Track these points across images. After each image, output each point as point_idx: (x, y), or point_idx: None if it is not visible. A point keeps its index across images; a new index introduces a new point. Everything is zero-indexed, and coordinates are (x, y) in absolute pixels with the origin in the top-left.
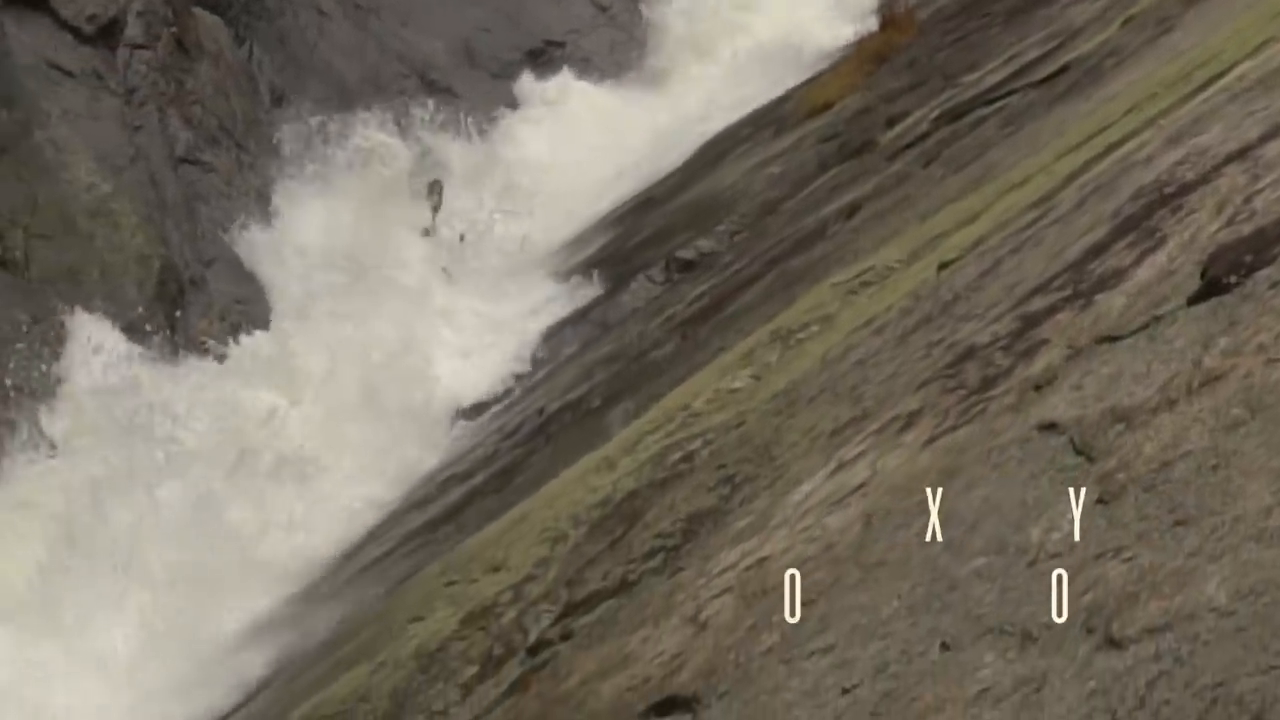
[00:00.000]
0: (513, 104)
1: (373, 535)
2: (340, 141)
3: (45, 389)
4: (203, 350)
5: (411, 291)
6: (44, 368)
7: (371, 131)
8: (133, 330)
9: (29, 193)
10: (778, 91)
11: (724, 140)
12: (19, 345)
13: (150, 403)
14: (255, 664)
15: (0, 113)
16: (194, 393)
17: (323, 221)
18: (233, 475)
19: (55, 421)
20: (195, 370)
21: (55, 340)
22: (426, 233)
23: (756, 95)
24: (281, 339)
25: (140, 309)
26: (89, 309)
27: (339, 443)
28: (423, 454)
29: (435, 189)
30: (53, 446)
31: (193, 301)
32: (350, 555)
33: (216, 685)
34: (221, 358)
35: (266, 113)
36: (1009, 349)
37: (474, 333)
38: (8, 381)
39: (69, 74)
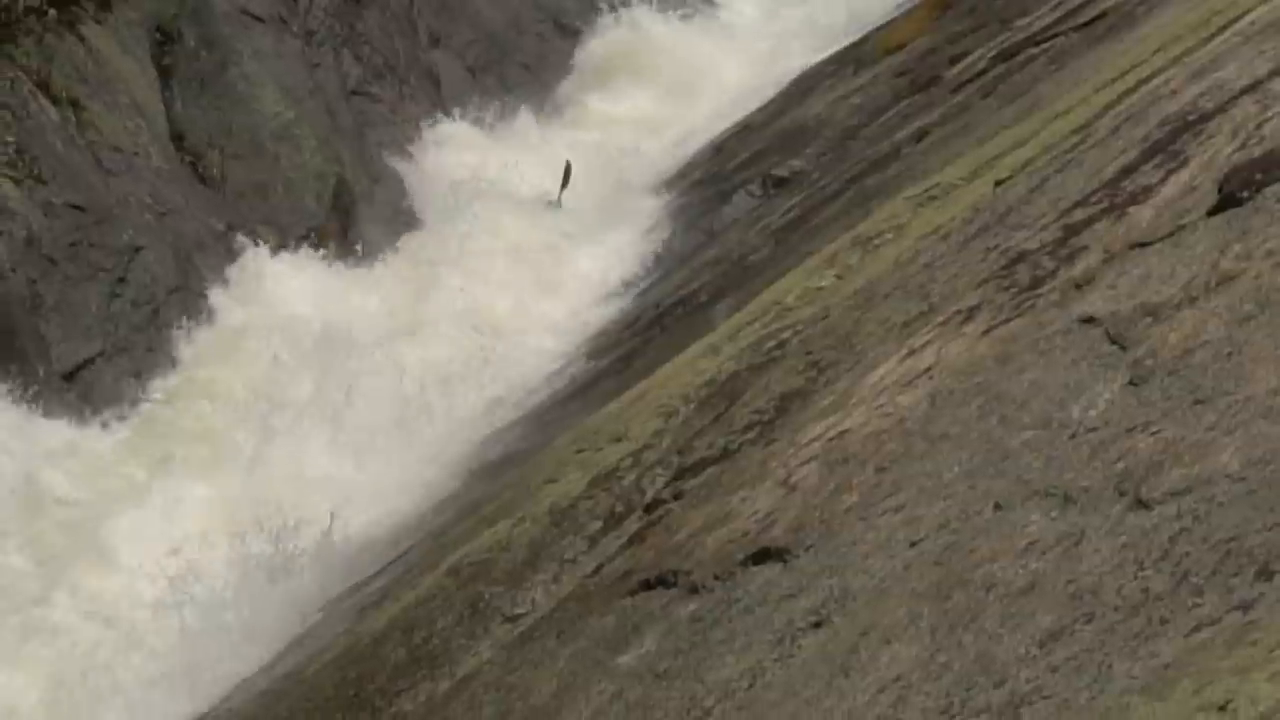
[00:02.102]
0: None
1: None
2: (484, 76)
3: (236, 285)
4: (376, 244)
5: (540, 204)
6: (235, 267)
7: (510, 67)
8: (313, 233)
9: (225, 120)
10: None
11: (812, 76)
12: (216, 248)
13: (327, 295)
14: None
15: (201, 53)
16: (366, 284)
17: (468, 144)
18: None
19: (238, 312)
20: (364, 265)
21: (248, 243)
22: (550, 204)
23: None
24: (441, 240)
25: (318, 218)
26: (274, 218)
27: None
28: (557, 339)
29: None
30: (240, 334)
31: (362, 211)
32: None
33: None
34: (385, 260)
35: (424, 52)
36: (1054, 254)
37: (601, 238)
38: (204, 278)
39: (259, 19)
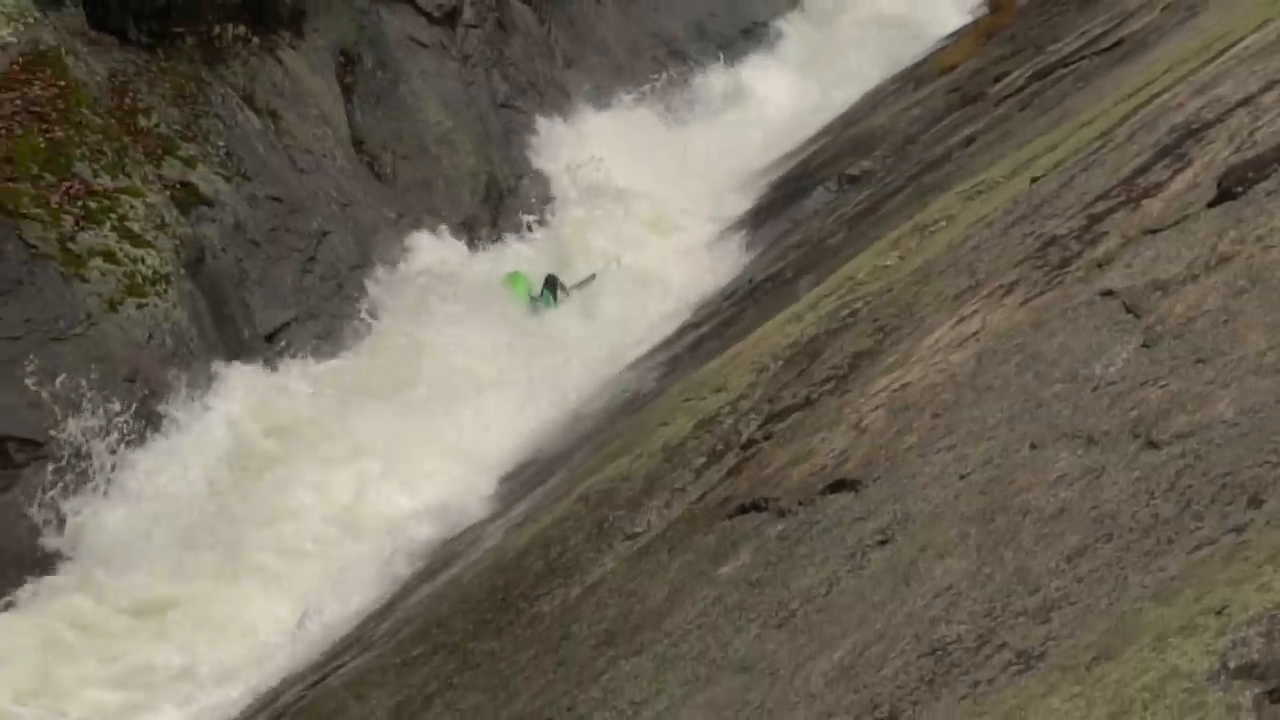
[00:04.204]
0: (730, 67)
1: (639, 362)
2: (610, 93)
3: (405, 262)
4: (516, 235)
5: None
6: (403, 249)
7: (630, 89)
8: (466, 223)
9: (396, 128)
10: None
11: (878, 91)
12: (388, 232)
13: (479, 274)
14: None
15: (377, 73)
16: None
17: (598, 146)
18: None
19: (407, 285)
20: (508, 237)
21: (412, 230)
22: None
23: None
24: (578, 226)
25: (472, 208)
26: (436, 209)
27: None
28: (675, 299)
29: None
30: (410, 302)
31: (508, 203)
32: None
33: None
34: (530, 240)
35: (560, 73)
36: (1080, 238)
37: (706, 221)
38: (374, 259)
39: (424, 45)
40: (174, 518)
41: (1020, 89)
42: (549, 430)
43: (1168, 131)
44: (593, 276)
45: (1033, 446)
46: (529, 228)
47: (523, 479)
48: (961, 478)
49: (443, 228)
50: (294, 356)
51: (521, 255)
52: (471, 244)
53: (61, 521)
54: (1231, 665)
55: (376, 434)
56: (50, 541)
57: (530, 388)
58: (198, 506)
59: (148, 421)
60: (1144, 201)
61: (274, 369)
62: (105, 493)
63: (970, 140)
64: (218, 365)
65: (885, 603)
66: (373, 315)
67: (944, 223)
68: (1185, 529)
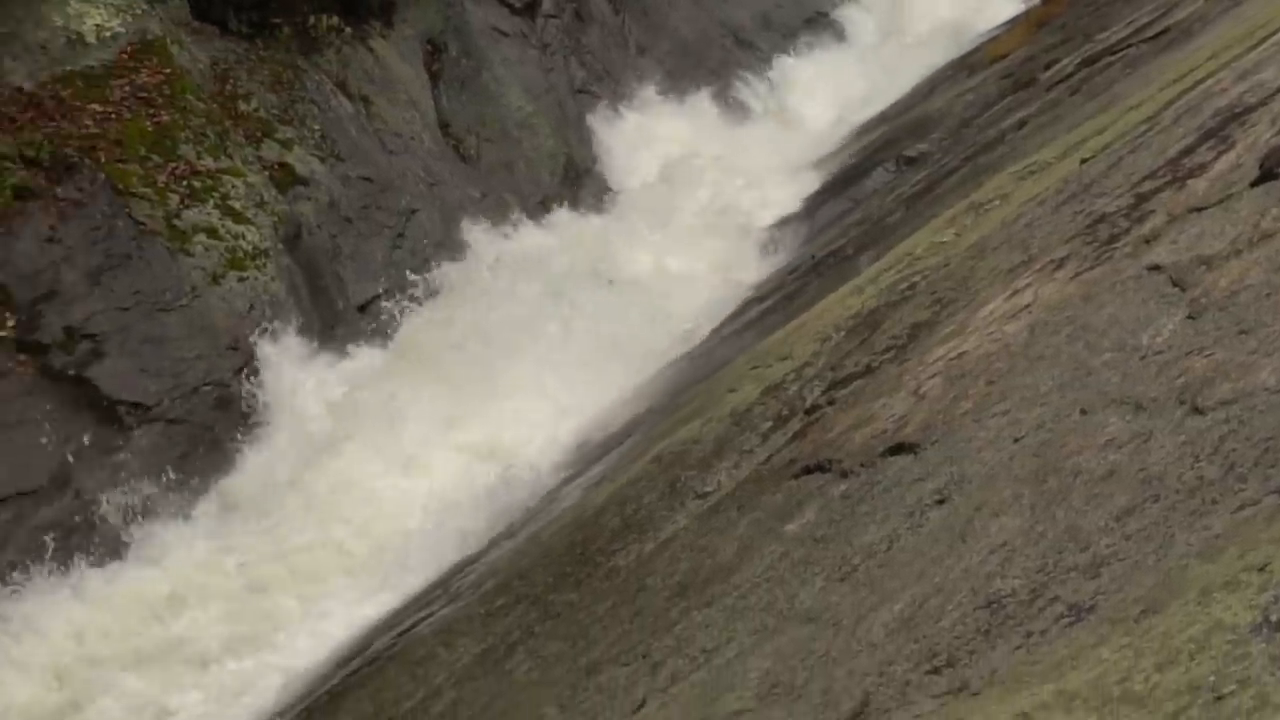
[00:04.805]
0: (795, 55)
1: (705, 334)
2: (679, 79)
3: (489, 239)
4: (594, 210)
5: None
6: (487, 225)
7: (700, 75)
8: (545, 202)
9: (480, 112)
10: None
11: (934, 78)
12: (473, 210)
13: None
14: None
15: (462, 60)
16: (593, 231)
17: (670, 130)
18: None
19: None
20: (585, 215)
21: (496, 207)
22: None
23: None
24: (650, 205)
25: (551, 188)
26: (517, 188)
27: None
28: (742, 274)
29: None
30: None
31: (585, 183)
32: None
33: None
34: (605, 213)
35: (633, 59)
36: (1128, 216)
37: (773, 204)
38: (464, 233)
39: (506, 35)
40: (280, 471)
41: (1070, 75)
42: (625, 396)
43: (1212, 115)
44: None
45: (1083, 412)
46: (603, 206)
47: (599, 442)
48: (1015, 441)
49: (524, 205)
50: (383, 326)
51: (595, 231)
52: (550, 221)
53: (172, 480)
54: (1273, 619)
55: (460, 398)
56: (162, 499)
57: (609, 355)
58: (302, 461)
59: (251, 385)
60: (1189, 181)
61: (366, 336)
62: (214, 450)
63: (1022, 123)
64: (314, 334)
65: (943, 558)
66: (459, 286)
67: (998, 201)
68: (1229, 490)
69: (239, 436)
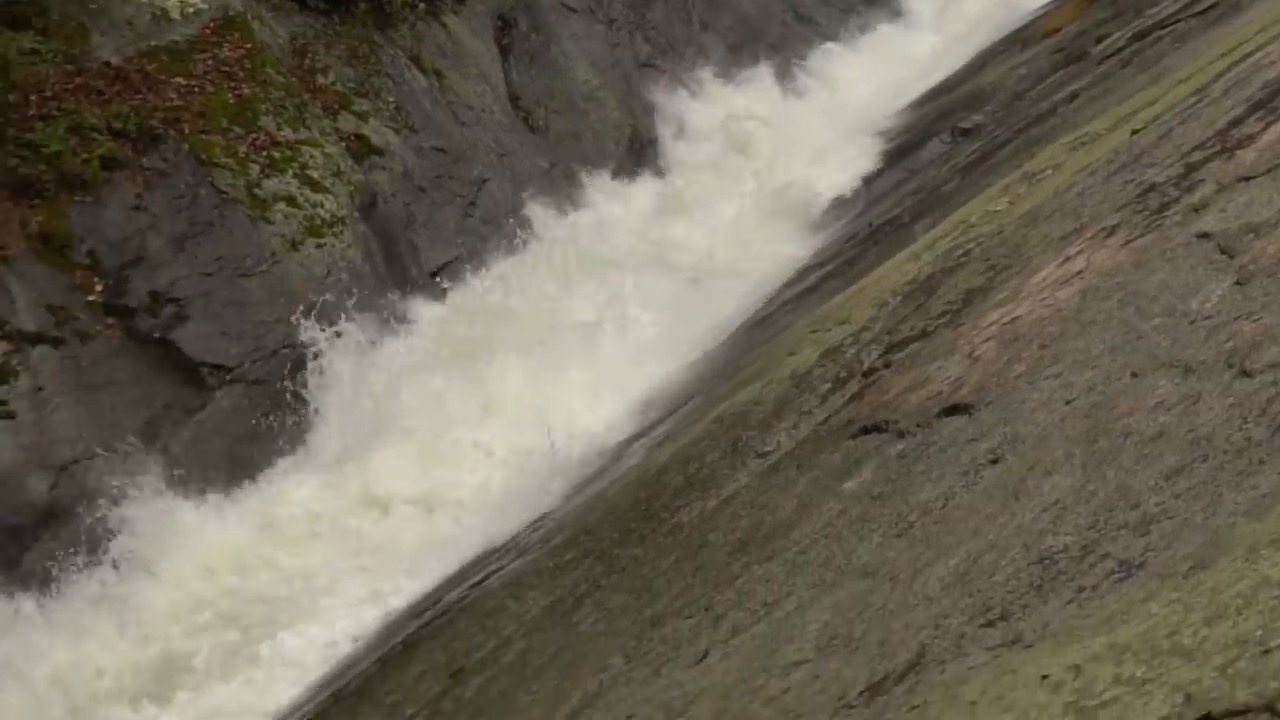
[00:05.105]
0: (853, 29)
1: (765, 299)
2: (740, 52)
3: (557, 206)
4: (654, 176)
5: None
6: (556, 193)
7: (761, 49)
8: (612, 170)
9: (548, 85)
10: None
11: (988, 52)
12: (542, 180)
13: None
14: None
15: (531, 35)
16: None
17: (731, 103)
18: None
19: (558, 227)
20: (649, 185)
21: (564, 177)
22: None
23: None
24: (713, 175)
25: (617, 157)
26: (584, 158)
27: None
28: (799, 242)
29: None
30: (559, 242)
31: (649, 153)
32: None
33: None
34: (668, 182)
35: (696, 34)
36: (1177, 185)
37: (831, 175)
38: (526, 200)
39: (573, 10)
40: (354, 425)
41: (1121, 49)
42: (687, 359)
43: (1260, 87)
44: None
45: (1133, 375)
46: (666, 176)
47: (662, 403)
48: (1067, 403)
49: (591, 174)
50: (455, 291)
51: (657, 199)
52: (615, 189)
53: (252, 434)
54: None
55: (527, 362)
56: (244, 451)
57: (673, 318)
58: (379, 414)
59: (328, 347)
60: (1237, 151)
61: (439, 301)
62: (292, 408)
63: (1074, 96)
64: (389, 298)
65: (996, 515)
66: (529, 253)
67: (1050, 171)
68: (1276, 450)
69: (317, 395)
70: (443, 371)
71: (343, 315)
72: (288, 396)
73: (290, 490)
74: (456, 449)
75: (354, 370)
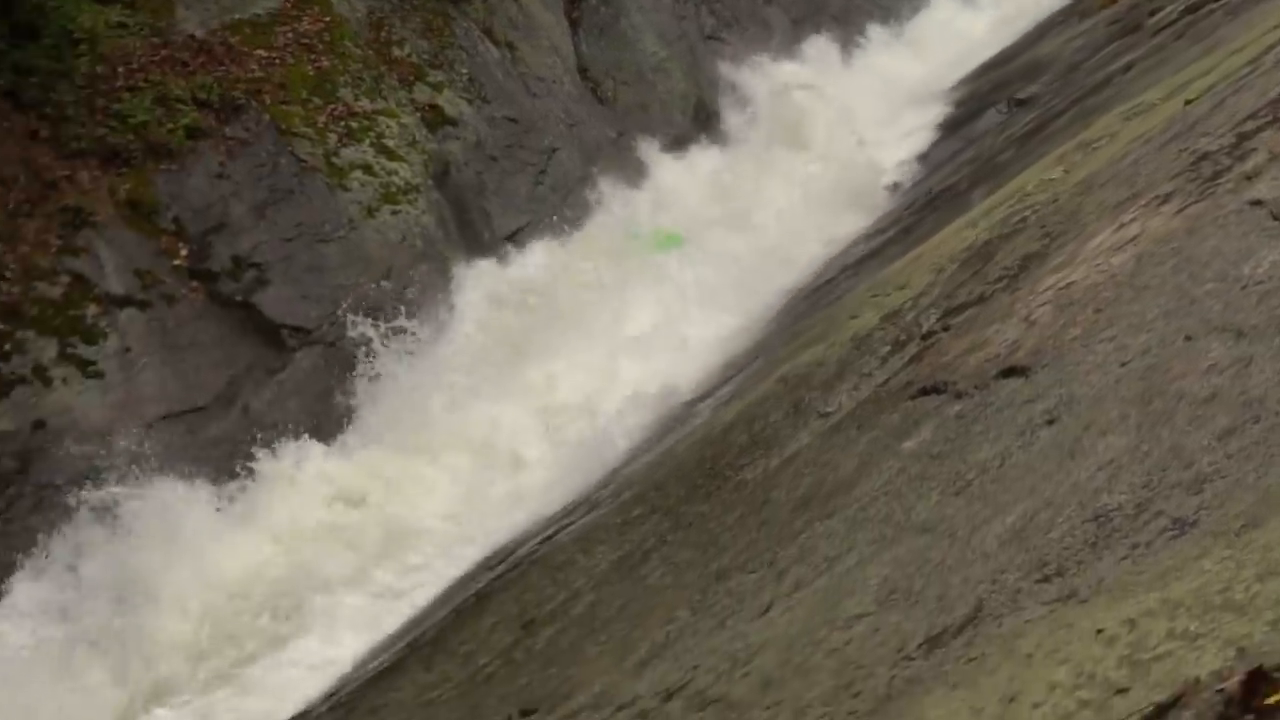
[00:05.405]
0: (914, 4)
1: (827, 264)
2: (803, 25)
3: (625, 175)
4: (718, 146)
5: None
6: (624, 162)
7: (823, 19)
8: (677, 139)
9: (617, 57)
10: None
11: (1045, 24)
12: (610, 149)
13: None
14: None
15: (600, 9)
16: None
17: (794, 74)
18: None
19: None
20: (713, 154)
21: (630, 147)
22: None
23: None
24: (775, 144)
25: (683, 127)
26: (651, 128)
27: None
28: (860, 212)
29: None
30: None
31: (714, 123)
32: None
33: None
34: (732, 152)
35: (760, 8)
36: (1230, 154)
37: (890, 145)
38: (602, 169)
39: None
40: (435, 386)
41: (1175, 21)
42: (752, 322)
43: None
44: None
45: (1187, 338)
46: (729, 145)
47: (727, 364)
48: (1122, 365)
49: (657, 143)
50: (526, 255)
51: (719, 167)
52: (681, 158)
53: (329, 395)
54: None
55: (596, 325)
56: (323, 409)
57: (734, 283)
58: (454, 376)
59: (403, 309)
60: None
61: (510, 266)
62: (367, 369)
63: (1129, 67)
64: (461, 263)
65: (1052, 474)
66: (596, 218)
67: (1106, 140)
68: None
69: (394, 356)
70: (508, 336)
71: (417, 277)
72: (365, 356)
73: (370, 440)
74: (528, 409)
75: (427, 333)
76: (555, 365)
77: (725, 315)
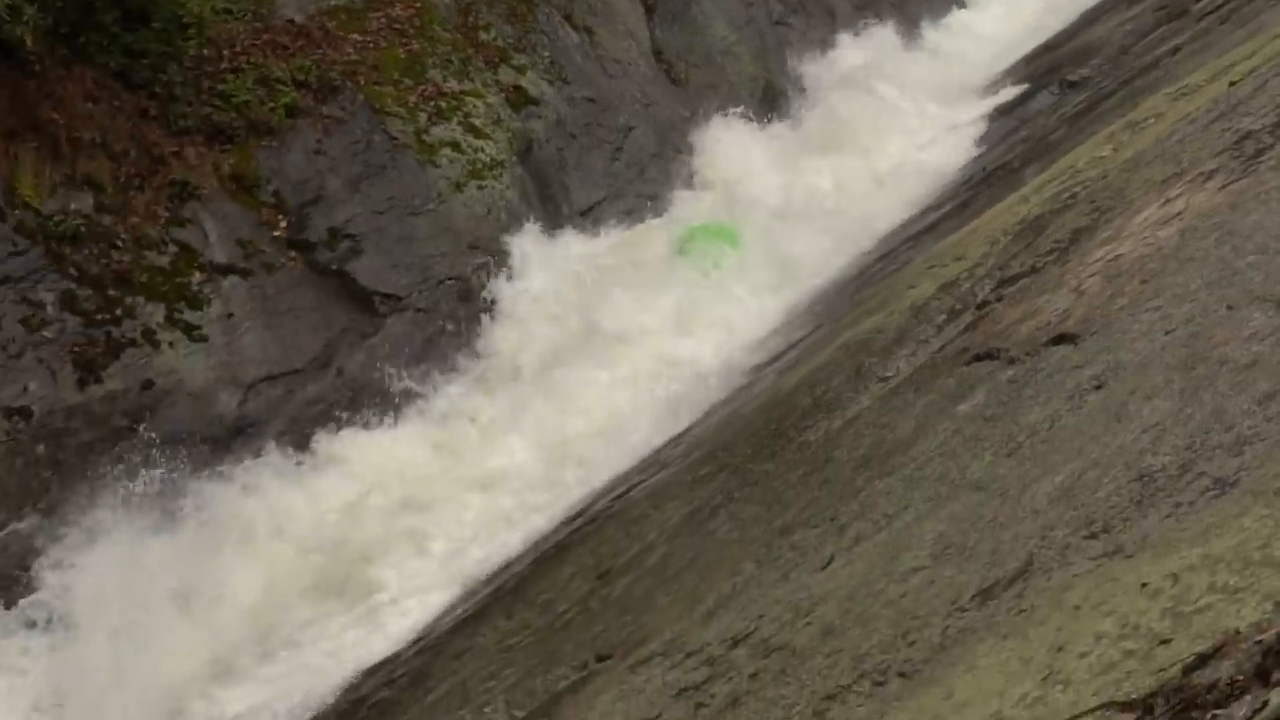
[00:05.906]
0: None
1: (885, 238)
2: (864, 11)
3: (697, 152)
4: (785, 126)
5: (904, 98)
6: (692, 137)
7: (883, 5)
8: (747, 118)
9: (689, 41)
10: None
11: (1096, 9)
12: (683, 127)
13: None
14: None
15: None
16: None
17: (857, 58)
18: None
19: (702, 170)
20: (780, 134)
21: (701, 124)
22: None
23: None
24: (841, 123)
25: (752, 108)
26: (721, 108)
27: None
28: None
29: None
30: (702, 185)
31: (780, 103)
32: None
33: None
34: (798, 133)
35: None
36: (1273, 133)
37: (940, 126)
38: (675, 147)
39: None
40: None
41: (1220, 6)
42: (817, 291)
43: None
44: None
45: (1229, 308)
46: (796, 127)
47: (792, 331)
48: (1166, 333)
49: (726, 123)
50: (603, 228)
51: (786, 147)
52: (749, 137)
53: (418, 361)
54: None
55: (671, 293)
56: (409, 373)
57: (800, 255)
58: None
59: (491, 280)
60: None
61: (590, 236)
62: (454, 335)
63: (1176, 50)
64: (543, 235)
65: (1100, 436)
66: (672, 194)
67: (1153, 120)
68: None
69: (480, 322)
70: (588, 309)
71: (503, 248)
72: (453, 324)
73: (459, 401)
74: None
75: (510, 301)
76: (621, 337)
77: (790, 282)
